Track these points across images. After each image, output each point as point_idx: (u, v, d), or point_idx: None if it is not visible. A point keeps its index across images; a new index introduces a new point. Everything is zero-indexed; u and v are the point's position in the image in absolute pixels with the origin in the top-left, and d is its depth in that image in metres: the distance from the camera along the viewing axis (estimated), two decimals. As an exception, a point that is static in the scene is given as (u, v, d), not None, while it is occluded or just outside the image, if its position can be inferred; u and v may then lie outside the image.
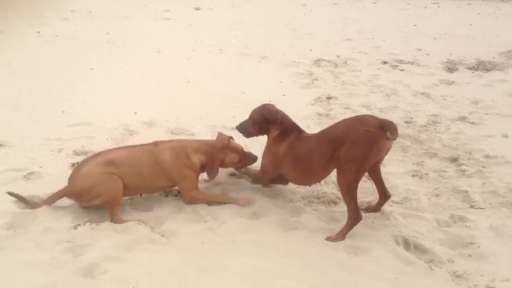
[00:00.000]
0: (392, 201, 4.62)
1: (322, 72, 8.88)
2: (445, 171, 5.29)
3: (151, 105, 6.94)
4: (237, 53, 10.04)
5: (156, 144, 4.48)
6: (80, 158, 5.10)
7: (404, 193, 4.81)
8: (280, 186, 4.83)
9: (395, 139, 4.04)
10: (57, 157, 5.26)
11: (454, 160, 5.52)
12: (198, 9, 14.56)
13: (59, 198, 4.24)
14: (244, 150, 4.74)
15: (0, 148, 5.40)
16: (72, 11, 13.32)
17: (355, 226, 4.05)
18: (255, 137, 4.84)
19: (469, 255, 3.87)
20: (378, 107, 7.15)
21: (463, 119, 6.76)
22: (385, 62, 9.60)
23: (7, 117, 6.27)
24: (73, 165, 4.98)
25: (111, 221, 4.14)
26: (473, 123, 6.64)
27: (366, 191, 4.81)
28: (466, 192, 4.84)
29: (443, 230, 4.22)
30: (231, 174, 5.07)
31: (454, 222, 4.35)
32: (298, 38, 11.57)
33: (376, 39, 11.51)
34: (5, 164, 4.99)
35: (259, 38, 11.35)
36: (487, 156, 5.58)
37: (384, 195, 4.43)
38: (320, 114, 6.78)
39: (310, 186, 4.79)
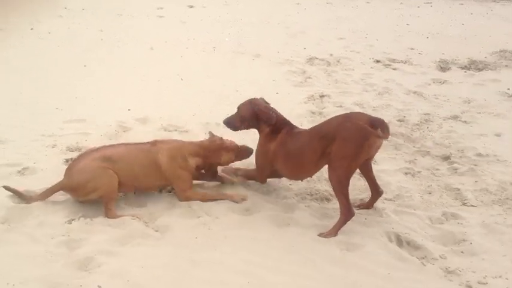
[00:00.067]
0: (385, 199, 4.65)
1: (315, 71, 8.88)
2: (437, 169, 5.31)
3: (145, 102, 6.92)
4: (230, 51, 10.02)
5: (154, 143, 4.52)
6: (73, 154, 5.09)
7: (396, 190, 4.83)
8: (273, 182, 4.85)
9: (387, 138, 4.06)
10: (51, 153, 5.26)
11: (446, 158, 5.54)
12: (191, 7, 14.50)
13: (55, 192, 4.26)
14: (238, 145, 4.74)
15: (-4, 144, 5.39)
16: (65, 8, 13.24)
17: (348, 222, 4.07)
18: (250, 133, 4.85)
19: (461, 252, 3.90)
20: (370, 106, 7.17)
21: (455, 117, 6.79)
22: (378, 61, 9.61)
23: (1, 114, 6.25)
24: (67, 161, 4.98)
25: (105, 216, 4.15)
26: (465, 122, 6.67)
27: (359, 188, 4.83)
28: (458, 190, 4.87)
29: (435, 227, 4.24)
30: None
31: (446, 219, 4.38)
32: (292, 36, 11.56)
33: (369, 38, 11.53)
34: None
35: (253, 36, 11.33)
36: (479, 155, 5.61)
37: (376, 191, 4.45)
38: (313, 112, 6.78)
39: (301, 181, 4.82)
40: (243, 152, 4.72)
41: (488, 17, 14.44)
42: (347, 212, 4.05)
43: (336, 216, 4.13)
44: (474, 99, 7.54)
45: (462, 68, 9.26)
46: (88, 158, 4.24)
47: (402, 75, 8.82)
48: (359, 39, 11.42)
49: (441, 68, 9.27)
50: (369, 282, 3.52)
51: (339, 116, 4.40)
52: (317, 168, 4.38)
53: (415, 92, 7.84)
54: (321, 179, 4.86)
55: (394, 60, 9.66)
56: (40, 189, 4.33)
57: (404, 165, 5.38)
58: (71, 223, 4.04)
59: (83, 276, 3.44)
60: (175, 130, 5.99)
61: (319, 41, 11.12)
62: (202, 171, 4.73)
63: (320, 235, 4.02)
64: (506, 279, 3.60)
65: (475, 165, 5.37)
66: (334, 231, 4.03)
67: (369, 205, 4.48)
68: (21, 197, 4.24)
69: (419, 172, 5.23)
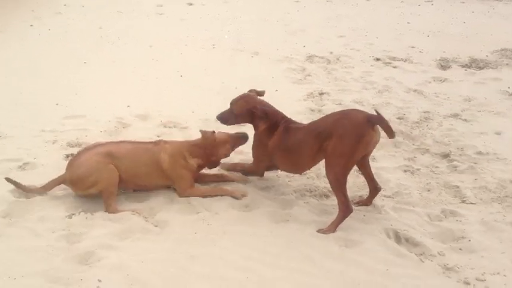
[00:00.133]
0: (384, 196, 4.65)
1: (315, 68, 8.86)
2: (436, 167, 5.31)
3: (144, 99, 6.92)
4: (230, 48, 10.00)
5: (157, 143, 4.57)
6: (74, 150, 5.14)
7: (395, 188, 4.83)
8: (272, 179, 4.87)
9: (393, 137, 4.09)
10: (52, 148, 5.29)
11: (445, 156, 5.53)
12: (190, 4, 14.47)
13: (57, 185, 4.32)
14: (231, 134, 4.74)
15: (-4, 139, 5.41)
16: (65, 5, 13.21)
17: (347, 219, 4.08)
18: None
19: (460, 249, 3.90)
20: (370, 103, 7.15)
21: (455, 116, 6.78)
22: (378, 59, 9.58)
23: (2, 109, 6.26)
24: (67, 156, 5.02)
25: (105, 211, 4.18)
26: (465, 120, 6.65)
27: (358, 185, 4.83)
28: (458, 187, 4.86)
29: (434, 224, 4.24)
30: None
31: (445, 217, 4.37)
32: (291, 34, 11.53)
33: (369, 36, 11.49)
34: (0, 155, 5.02)
35: (252, 33, 11.30)
36: (479, 153, 5.60)
37: (374, 188, 4.45)
38: (312, 110, 6.77)
39: (300, 174, 4.84)
40: (238, 140, 4.73)
41: (489, 16, 14.40)
42: (345, 209, 4.06)
43: (335, 213, 4.13)
44: (474, 97, 7.52)
45: (463, 67, 9.23)
46: (90, 153, 4.28)
47: (402, 73, 8.79)
48: (359, 37, 11.39)
49: (442, 66, 9.24)
50: (367, 279, 3.52)
51: (336, 112, 4.42)
52: (314, 162, 4.42)
53: (415, 90, 7.82)
54: (319, 176, 4.86)
55: (394, 59, 9.63)
56: (40, 184, 4.37)
57: (404, 162, 5.38)
58: (71, 218, 4.08)
59: (83, 270, 3.47)
60: (175, 127, 5.99)
61: (318, 38, 11.09)
62: (204, 170, 4.77)
63: (319, 231, 4.03)
64: (505, 276, 3.60)
65: (475, 163, 5.36)
66: (332, 228, 4.03)
67: (367, 202, 4.48)
68: (23, 189, 4.29)
69: (418, 170, 5.22)
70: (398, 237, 4.02)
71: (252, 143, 4.76)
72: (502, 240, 4.03)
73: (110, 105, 6.59)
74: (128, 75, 8.03)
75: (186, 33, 11.03)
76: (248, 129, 4.85)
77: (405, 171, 5.19)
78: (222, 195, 4.51)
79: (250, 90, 4.76)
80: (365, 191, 4.61)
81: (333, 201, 4.26)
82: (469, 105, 7.23)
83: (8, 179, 4.27)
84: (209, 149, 4.56)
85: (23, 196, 4.29)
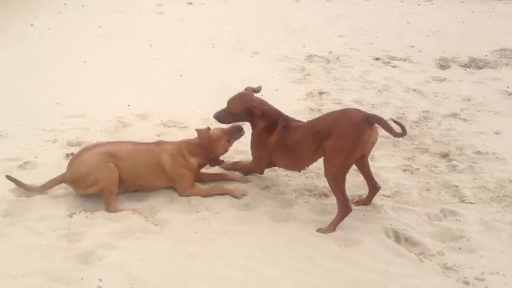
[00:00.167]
0: (383, 195, 4.66)
1: (315, 68, 8.86)
2: (436, 167, 5.32)
3: (144, 98, 6.92)
4: (229, 47, 9.99)
5: (158, 143, 4.59)
6: (74, 149, 5.16)
7: (395, 187, 4.84)
8: (272, 178, 4.89)
9: (405, 134, 4.15)
10: (52, 147, 5.30)
11: (445, 156, 5.55)
12: (190, 3, 14.46)
13: (58, 184, 4.34)
14: (225, 128, 4.72)
15: (-4, 138, 5.42)
16: (65, 4, 13.20)
17: (346, 218, 4.10)
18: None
19: (459, 249, 3.92)
20: (369, 103, 7.16)
21: (454, 115, 6.79)
22: (377, 59, 9.58)
23: (2, 109, 6.26)
24: (67, 155, 5.04)
25: (105, 210, 4.19)
26: (464, 119, 6.66)
27: (357, 184, 4.84)
28: (457, 187, 4.88)
29: (433, 224, 4.26)
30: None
31: (445, 216, 4.39)
32: (291, 33, 11.53)
33: (368, 35, 11.49)
34: (0, 154, 5.03)
35: (252, 33, 11.30)
36: (478, 152, 5.62)
37: (373, 187, 4.47)
38: (312, 109, 6.77)
39: (299, 172, 4.88)
40: (233, 133, 4.69)
41: (489, 15, 14.40)
42: (344, 208, 4.07)
43: (334, 212, 4.15)
44: (474, 97, 7.52)
45: (462, 66, 9.23)
46: (91, 152, 4.29)
47: (402, 72, 8.79)
48: (358, 36, 11.39)
49: (441, 66, 9.24)
50: (366, 278, 3.54)
51: (335, 111, 4.45)
52: (313, 160, 4.46)
53: (414, 90, 7.82)
54: (319, 175, 4.86)
55: (393, 58, 9.63)
56: (41, 183, 4.38)
57: (403, 162, 5.39)
58: (71, 217, 4.09)
59: (83, 269, 3.48)
60: (175, 126, 6.00)
61: (318, 38, 11.09)
62: (205, 170, 4.77)
63: (318, 231, 4.05)
64: (504, 275, 3.62)
65: (474, 162, 5.37)
66: (332, 227, 4.04)
67: (367, 201, 4.49)
68: (23, 187, 4.30)
69: (417, 169, 5.23)
70: (397, 237, 4.04)
71: (250, 142, 4.77)
72: (501, 240, 4.04)
73: (110, 104, 6.59)
74: (127, 74, 8.03)
75: (185, 32, 11.03)
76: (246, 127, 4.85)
77: (404, 170, 5.20)
78: (222, 195, 4.53)
79: (246, 88, 4.77)
80: (364, 191, 4.62)
81: (333, 200, 4.27)
82: (468, 104, 7.24)
83: (9, 177, 4.29)
84: (206, 146, 4.56)
85: (24, 195, 4.31)
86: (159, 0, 14.23)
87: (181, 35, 10.75)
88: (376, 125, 4.12)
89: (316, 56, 9.57)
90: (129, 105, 6.57)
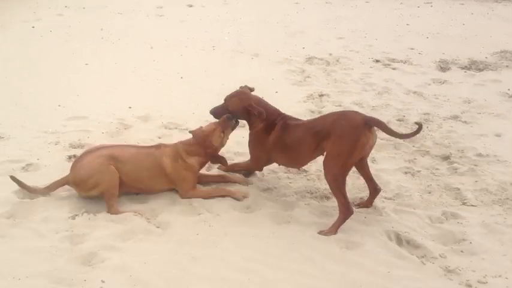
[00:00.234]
0: (385, 198, 4.66)
1: (315, 70, 8.87)
2: (437, 169, 5.31)
3: (145, 100, 6.94)
4: (230, 50, 10.01)
5: (158, 147, 4.60)
6: (76, 151, 5.18)
7: (396, 189, 4.83)
8: (273, 180, 4.89)
9: (412, 136, 4.20)
10: (54, 149, 5.31)
11: (446, 158, 5.54)
12: (190, 6, 14.50)
13: (61, 186, 4.36)
14: (217, 121, 4.70)
15: (-1, 140, 5.44)
16: (66, 6, 13.25)
17: (348, 220, 4.09)
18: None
19: (461, 251, 3.90)
20: (370, 105, 7.16)
21: (455, 117, 6.78)
22: (377, 61, 9.59)
23: (5, 111, 6.28)
24: (70, 157, 5.06)
25: (107, 212, 4.19)
26: (465, 122, 6.66)
27: (358, 187, 4.83)
28: (458, 189, 4.87)
29: (435, 226, 4.25)
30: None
31: (446, 219, 4.38)
32: (291, 35, 11.54)
33: (368, 37, 11.51)
34: (3, 156, 5.05)
35: (252, 35, 11.32)
36: (479, 155, 5.61)
37: (374, 189, 4.47)
38: (312, 111, 6.77)
39: (299, 169, 4.91)
40: (226, 123, 4.64)
41: (489, 17, 14.42)
42: (346, 210, 4.07)
43: (336, 214, 4.14)
44: (474, 99, 7.53)
45: (462, 68, 9.24)
46: (93, 155, 4.31)
47: (402, 75, 8.80)
48: (358, 38, 11.40)
49: (441, 68, 9.25)
50: (368, 281, 3.53)
51: (335, 113, 4.47)
52: (313, 158, 4.50)
53: (414, 92, 7.83)
54: (320, 178, 4.86)
55: (393, 60, 9.64)
56: (44, 185, 4.41)
57: (404, 164, 5.38)
58: (74, 218, 4.10)
59: (86, 271, 3.49)
60: (176, 128, 6.01)
61: (318, 40, 11.11)
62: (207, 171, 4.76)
63: (320, 233, 4.04)
64: (506, 278, 3.61)
65: (475, 165, 5.36)
66: (333, 229, 4.04)
67: (368, 203, 4.49)
68: (27, 189, 4.32)
69: (419, 171, 5.23)
70: (399, 239, 4.03)
71: (248, 141, 4.77)
72: (503, 243, 4.03)
73: (111, 106, 6.60)
74: (128, 76, 8.05)
75: (186, 34, 11.05)
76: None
77: (405, 173, 5.20)
78: (223, 196, 4.53)
79: (242, 87, 4.75)
80: (365, 193, 4.61)
81: (334, 202, 4.26)
82: (468, 107, 7.24)
83: (13, 178, 4.31)
84: (202, 143, 4.55)
85: (27, 197, 4.32)
86: (160, 3, 14.27)
87: (182, 37, 10.78)
88: (375, 127, 4.13)
89: (316, 58, 9.58)
90: (130, 107, 6.58)
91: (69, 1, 13.81)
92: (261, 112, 4.47)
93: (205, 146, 4.54)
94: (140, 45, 9.98)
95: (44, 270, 3.45)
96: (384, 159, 5.47)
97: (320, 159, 4.32)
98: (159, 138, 5.57)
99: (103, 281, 3.37)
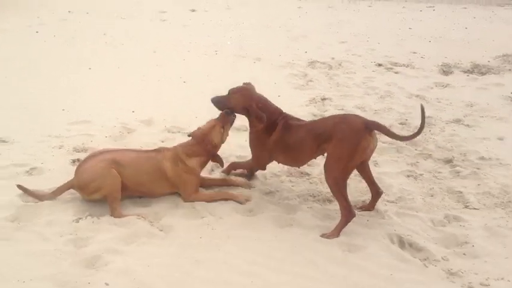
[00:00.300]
0: (387, 201, 4.66)
1: (317, 74, 8.90)
2: (439, 172, 5.31)
3: (148, 105, 6.96)
4: (232, 54, 10.06)
5: (158, 151, 4.60)
6: (80, 155, 5.21)
7: (398, 193, 4.83)
8: (276, 184, 4.90)
9: (413, 137, 4.17)
10: (58, 153, 5.34)
11: (448, 161, 5.54)
12: (193, 10, 14.57)
13: (66, 190, 4.39)
14: (215, 119, 4.71)
15: (3, 144, 5.46)
16: (69, 11, 13.34)
17: (350, 224, 4.09)
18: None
19: (464, 254, 3.90)
20: (372, 109, 7.18)
21: (457, 121, 6.79)
22: (379, 65, 9.62)
23: (9, 115, 6.31)
24: (74, 161, 5.09)
25: (110, 215, 4.21)
26: (468, 125, 6.67)
27: (360, 190, 4.83)
28: (461, 192, 4.87)
29: (437, 229, 4.24)
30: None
31: (449, 222, 4.37)
32: (293, 39, 11.59)
33: (370, 41, 11.55)
34: (7, 160, 5.07)
35: (254, 39, 11.36)
36: (482, 158, 5.61)
37: (376, 192, 4.47)
38: (315, 115, 6.78)
39: (298, 167, 4.94)
40: (226, 117, 4.67)
41: (491, 21, 14.44)
42: (347, 213, 4.08)
43: (338, 218, 4.14)
44: (477, 103, 7.53)
45: (465, 72, 9.25)
46: (96, 159, 4.34)
47: (404, 78, 8.82)
48: (361, 42, 11.44)
49: (444, 71, 9.27)
50: (371, 283, 3.53)
51: (335, 116, 4.50)
52: (313, 158, 4.53)
53: (417, 96, 7.84)
54: (323, 181, 4.83)
55: (396, 64, 9.67)
56: (49, 189, 4.44)
57: (407, 167, 5.39)
58: (78, 222, 4.11)
59: (90, 274, 3.50)
60: (179, 132, 6.02)
61: (320, 44, 11.15)
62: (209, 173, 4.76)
63: (322, 236, 4.04)
64: (509, 281, 3.60)
65: (478, 168, 5.36)
66: (336, 232, 4.04)
67: (370, 207, 4.49)
68: (34, 195, 4.35)
69: (421, 175, 5.23)
70: (402, 242, 4.03)
71: (249, 140, 4.78)
72: (505, 246, 4.03)
73: (115, 110, 6.63)
74: (131, 80, 8.08)
75: (188, 39, 11.11)
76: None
77: (408, 176, 5.20)
78: (226, 200, 4.53)
79: (246, 83, 4.76)
80: (367, 196, 4.61)
81: (336, 206, 4.26)
82: (471, 110, 7.25)
83: (20, 186, 4.35)
84: (202, 142, 4.56)
85: (31, 200, 4.34)
86: (163, 7, 14.34)
87: (185, 42, 10.83)
88: (376, 131, 4.15)
89: (318, 62, 9.61)
90: (133, 111, 6.60)
91: (73, 6, 13.90)
92: (261, 117, 4.47)
93: (205, 143, 4.56)
94: (143, 50, 10.03)
95: (48, 273, 3.46)
96: (387, 162, 5.48)
97: (322, 162, 4.32)
98: (162, 142, 5.59)
99: (107, 284, 3.38)
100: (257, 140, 4.63)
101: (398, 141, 5.89)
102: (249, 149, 4.83)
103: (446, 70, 9.33)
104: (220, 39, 11.25)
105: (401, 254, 3.86)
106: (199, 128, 4.66)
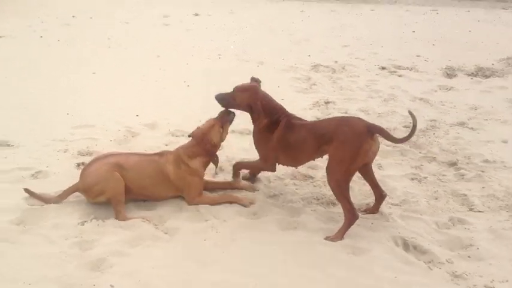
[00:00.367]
0: (391, 204, 4.66)
1: (320, 78, 8.90)
2: (443, 175, 5.31)
3: (152, 108, 6.98)
4: (235, 58, 10.06)
5: (161, 154, 4.62)
6: (84, 158, 5.22)
7: (403, 196, 4.83)
8: (279, 187, 4.90)
9: (399, 142, 4.18)
10: (63, 157, 5.36)
11: (452, 164, 5.54)
12: (196, 15, 14.59)
13: (72, 193, 4.42)
14: (213, 118, 4.72)
15: (8, 148, 5.49)
16: (73, 16, 13.38)
17: (354, 226, 4.10)
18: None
19: (468, 257, 3.90)
20: (376, 112, 7.18)
21: (462, 124, 6.78)
22: (383, 68, 9.61)
23: (14, 119, 6.33)
24: (78, 165, 5.11)
25: (115, 218, 4.23)
26: (472, 128, 6.65)
27: (364, 193, 4.84)
28: (465, 195, 4.86)
29: (442, 232, 4.24)
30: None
31: (453, 225, 4.37)
32: (296, 43, 11.59)
33: (374, 45, 11.54)
34: (13, 164, 5.09)
35: (257, 43, 11.37)
36: (486, 161, 5.60)
37: (379, 195, 4.47)
38: (318, 119, 6.75)
39: (296, 168, 4.93)
40: (224, 116, 4.69)
41: (495, 24, 14.43)
42: (351, 216, 4.08)
43: (342, 220, 4.15)
44: (481, 106, 7.52)
45: (469, 75, 9.24)
46: (100, 163, 4.37)
47: (408, 82, 8.81)
48: (364, 46, 11.44)
49: (448, 74, 9.26)
50: (375, 286, 3.53)
51: (338, 118, 4.56)
52: (311, 159, 4.56)
53: (421, 99, 7.83)
54: (326, 184, 4.81)
55: (399, 67, 9.66)
56: (55, 192, 4.48)
57: (411, 170, 5.38)
58: (83, 225, 4.14)
59: (96, 276, 3.52)
60: (183, 135, 6.02)
61: (323, 48, 11.15)
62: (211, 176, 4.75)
63: (326, 239, 4.05)
64: (513, 283, 3.60)
65: (482, 171, 5.36)
66: (340, 235, 4.05)
67: (374, 209, 4.49)
68: (40, 199, 4.38)
69: (425, 178, 5.22)
70: (406, 245, 4.03)
71: (253, 140, 4.76)
72: (510, 248, 4.03)
73: (119, 114, 6.65)
74: (135, 85, 8.10)
75: (192, 43, 11.13)
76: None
77: (412, 179, 5.20)
78: (230, 203, 4.54)
79: (255, 79, 4.75)
80: (371, 199, 4.61)
81: (340, 209, 4.27)
82: (475, 113, 7.24)
83: (27, 190, 4.39)
84: (202, 141, 4.57)
85: (37, 203, 4.36)
86: (166, 12, 14.37)
87: (188, 46, 10.85)
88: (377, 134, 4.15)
89: (321, 65, 9.61)
90: (137, 115, 6.62)
91: (77, 11, 13.95)
92: (261, 113, 4.44)
93: (204, 143, 4.57)
94: (147, 54, 10.05)
95: (53, 275, 3.48)
96: (391, 165, 5.48)
97: (325, 165, 4.31)
98: (166, 145, 5.60)
99: (112, 286, 3.39)
100: (261, 139, 4.62)
101: (402, 145, 5.90)
102: (252, 153, 4.83)
103: (450, 73, 9.32)
104: (223, 43, 11.26)
105: (406, 257, 3.86)
106: (198, 128, 4.66)
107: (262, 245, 3.93)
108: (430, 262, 3.81)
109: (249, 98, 4.53)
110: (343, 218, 4.12)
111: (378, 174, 4.55)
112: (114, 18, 13.46)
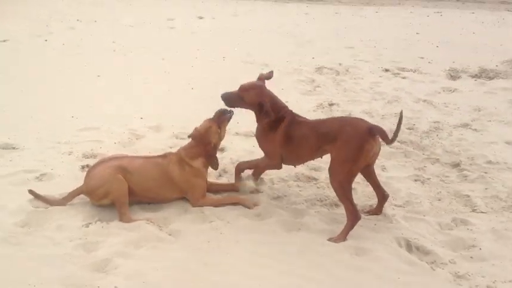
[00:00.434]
0: (395, 205, 4.68)
1: (324, 80, 8.92)
2: (447, 176, 5.32)
3: (157, 111, 7.02)
4: (240, 60, 10.09)
5: (164, 156, 4.66)
6: (89, 161, 5.25)
7: (406, 197, 4.85)
8: (283, 189, 4.92)
9: (391, 142, 4.11)
10: (68, 160, 5.39)
11: (456, 165, 5.55)
12: (201, 18, 14.65)
13: (77, 195, 4.46)
14: (211, 118, 4.76)
15: (13, 151, 5.53)
16: (78, 20, 13.46)
17: (358, 228, 4.12)
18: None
19: (471, 257, 3.91)
20: (379, 114, 7.19)
21: (465, 125, 6.79)
22: (387, 70, 9.62)
23: (19, 122, 6.38)
24: (83, 167, 5.14)
25: (119, 220, 4.25)
26: (475, 129, 6.66)
27: (367, 194, 4.85)
28: (468, 196, 4.87)
29: (445, 233, 4.26)
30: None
31: (456, 226, 4.39)
32: (300, 45, 11.62)
33: (377, 47, 11.56)
34: (17, 166, 5.13)
35: (261, 46, 11.41)
36: (489, 162, 5.61)
37: (382, 196, 4.49)
38: (322, 120, 6.81)
39: (295, 167, 4.95)
40: (221, 116, 4.73)
41: (499, 26, 14.42)
42: (353, 217, 4.10)
43: (345, 222, 4.16)
44: (484, 107, 7.53)
45: (473, 77, 9.24)
46: (104, 165, 4.41)
47: (411, 83, 8.82)
48: (368, 48, 11.45)
49: (451, 76, 9.26)
50: (378, 286, 3.55)
51: (341, 118, 4.57)
52: (312, 158, 4.59)
53: (424, 100, 7.84)
54: (330, 186, 4.84)
55: (403, 69, 9.67)
56: (60, 194, 4.51)
57: (414, 172, 5.40)
58: (88, 226, 4.16)
59: (100, 277, 3.54)
60: (187, 138, 6.04)
61: (327, 50, 11.17)
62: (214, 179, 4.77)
63: (330, 240, 4.07)
64: (516, 284, 3.61)
65: (485, 172, 5.37)
66: (343, 236, 4.07)
67: (377, 211, 4.51)
68: (45, 201, 4.42)
69: (428, 179, 5.24)
70: (409, 246, 4.04)
71: (257, 138, 4.78)
72: (513, 249, 4.04)
73: (123, 117, 6.69)
74: (140, 87, 8.15)
75: (196, 46, 11.16)
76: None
77: (415, 180, 5.21)
78: (234, 204, 4.57)
79: (260, 77, 4.74)
80: (374, 201, 4.62)
81: (343, 210, 4.28)
82: (478, 115, 7.24)
83: (31, 192, 4.42)
84: (200, 142, 4.60)
85: (41, 206, 4.39)
86: (171, 15, 14.43)
87: (193, 49, 10.89)
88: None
89: (325, 67, 9.63)
90: (142, 118, 6.66)
91: (81, 15, 14.03)
92: (270, 114, 4.43)
93: (203, 143, 4.60)
94: (151, 57, 10.10)
95: (58, 277, 3.50)
96: (394, 167, 5.49)
97: (328, 166, 4.32)
98: (171, 148, 5.62)
99: (116, 287, 3.42)
100: (265, 137, 4.63)
101: (406, 146, 5.92)
102: (256, 155, 4.85)
103: (453, 75, 9.32)
104: (227, 45, 11.30)
105: (409, 258, 3.87)
106: (196, 129, 4.70)
107: (266, 247, 3.95)
108: (433, 263, 3.83)
109: (258, 96, 4.53)
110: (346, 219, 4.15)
111: (381, 176, 4.57)
112: (119, 21, 13.53)
